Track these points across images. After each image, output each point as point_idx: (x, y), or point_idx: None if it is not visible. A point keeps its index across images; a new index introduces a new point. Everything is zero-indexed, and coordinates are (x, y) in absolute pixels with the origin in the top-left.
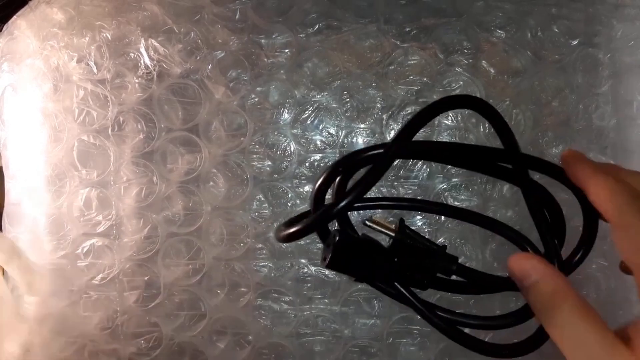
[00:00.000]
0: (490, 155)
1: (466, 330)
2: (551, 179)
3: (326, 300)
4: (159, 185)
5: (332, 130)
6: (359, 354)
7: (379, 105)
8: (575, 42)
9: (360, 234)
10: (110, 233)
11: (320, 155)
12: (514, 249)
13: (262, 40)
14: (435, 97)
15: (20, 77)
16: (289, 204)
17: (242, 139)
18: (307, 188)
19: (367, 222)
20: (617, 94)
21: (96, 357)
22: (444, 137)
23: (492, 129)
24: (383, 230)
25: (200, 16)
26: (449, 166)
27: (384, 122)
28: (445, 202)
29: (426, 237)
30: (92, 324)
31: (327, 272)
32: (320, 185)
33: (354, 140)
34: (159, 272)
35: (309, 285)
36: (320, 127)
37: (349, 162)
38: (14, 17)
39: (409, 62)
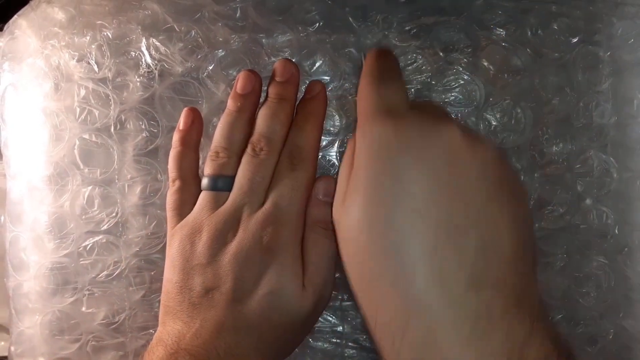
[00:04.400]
0: None
1: None
2: (550, 178)
3: None
4: (163, 182)
5: (332, 130)
6: (358, 350)
7: None
8: (575, 40)
9: None
10: (115, 230)
11: (320, 154)
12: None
13: (263, 40)
14: (435, 96)
15: (21, 76)
16: None
17: None
18: None
19: None
20: (617, 92)
21: (100, 352)
22: None
23: (492, 127)
24: None
25: (200, 15)
26: None
27: None
28: None
29: None
30: (96, 320)
31: None
32: None
33: None
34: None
35: None
36: None
37: None
38: (15, 16)
39: (409, 60)
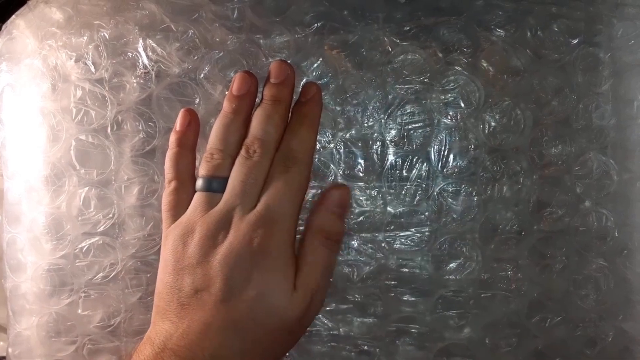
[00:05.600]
0: None
1: None
2: (550, 180)
3: None
4: (160, 184)
5: (330, 130)
6: (357, 353)
7: (377, 104)
8: (575, 41)
9: None
10: (111, 232)
11: (317, 155)
12: (515, 248)
13: (261, 40)
14: (435, 96)
15: (18, 76)
16: None
17: None
18: None
19: None
20: (617, 93)
21: (95, 355)
22: (444, 137)
23: (491, 128)
24: None
25: (198, 15)
26: (449, 165)
27: (383, 121)
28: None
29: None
30: (92, 322)
31: None
32: None
33: (352, 141)
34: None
35: None
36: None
37: None
38: (13, 16)
39: (408, 61)
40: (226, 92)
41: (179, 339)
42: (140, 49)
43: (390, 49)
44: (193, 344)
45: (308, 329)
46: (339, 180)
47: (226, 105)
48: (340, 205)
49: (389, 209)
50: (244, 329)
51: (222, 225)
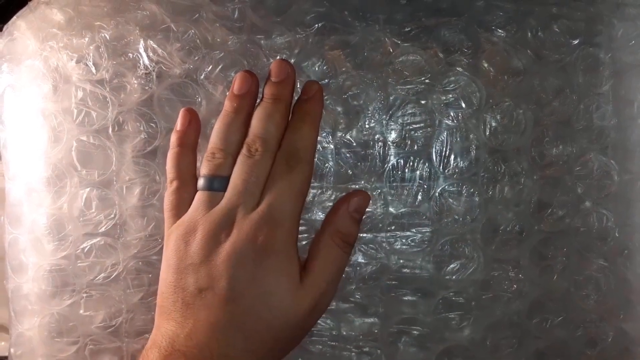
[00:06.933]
0: None
1: None
2: (550, 180)
3: None
4: (162, 184)
5: (330, 131)
6: (358, 353)
7: (378, 105)
8: (576, 42)
9: None
10: (113, 232)
11: (317, 155)
12: (516, 249)
13: (262, 41)
14: (436, 97)
15: (19, 77)
16: None
17: None
18: None
19: None
20: (617, 94)
21: (97, 355)
22: (445, 137)
23: (492, 129)
24: None
25: (198, 15)
26: (450, 166)
27: (384, 122)
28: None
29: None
30: (94, 323)
31: None
32: None
33: (354, 141)
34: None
35: None
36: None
37: None
38: (14, 17)
39: (409, 62)
40: (227, 92)
41: (186, 340)
42: (141, 50)
43: (391, 50)
44: (201, 344)
45: None
46: (339, 181)
47: (227, 105)
48: (359, 211)
49: (390, 209)
50: (248, 327)
51: (225, 224)
